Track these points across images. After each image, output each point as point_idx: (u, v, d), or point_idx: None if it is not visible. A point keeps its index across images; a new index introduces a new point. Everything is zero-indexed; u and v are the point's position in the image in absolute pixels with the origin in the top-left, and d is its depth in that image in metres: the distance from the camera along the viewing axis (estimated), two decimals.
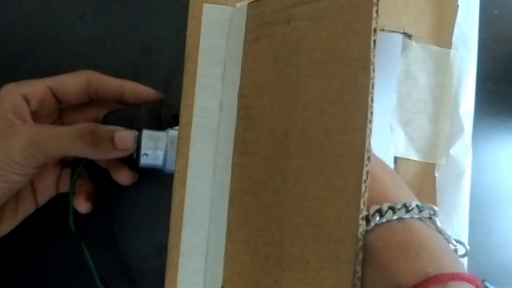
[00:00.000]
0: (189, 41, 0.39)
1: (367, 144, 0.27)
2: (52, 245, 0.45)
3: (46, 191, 0.45)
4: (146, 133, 0.41)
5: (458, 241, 0.33)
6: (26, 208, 0.44)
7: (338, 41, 0.29)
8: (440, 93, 0.45)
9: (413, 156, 0.45)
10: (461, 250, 0.33)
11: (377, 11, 0.28)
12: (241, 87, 0.38)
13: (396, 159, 0.45)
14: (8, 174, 0.39)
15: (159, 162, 0.42)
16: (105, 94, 0.44)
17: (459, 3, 0.45)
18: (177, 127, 0.42)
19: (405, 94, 0.45)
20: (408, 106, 0.45)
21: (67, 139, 0.39)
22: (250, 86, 0.37)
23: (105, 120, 0.44)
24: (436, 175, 0.45)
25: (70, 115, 0.46)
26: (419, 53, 0.45)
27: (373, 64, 0.27)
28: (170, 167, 0.42)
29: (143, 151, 0.41)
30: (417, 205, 0.31)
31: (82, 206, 0.44)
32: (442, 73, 0.45)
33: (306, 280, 0.29)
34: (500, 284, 0.46)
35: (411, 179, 0.45)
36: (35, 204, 0.44)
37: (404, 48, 0.45)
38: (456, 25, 0.45)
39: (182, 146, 0.39)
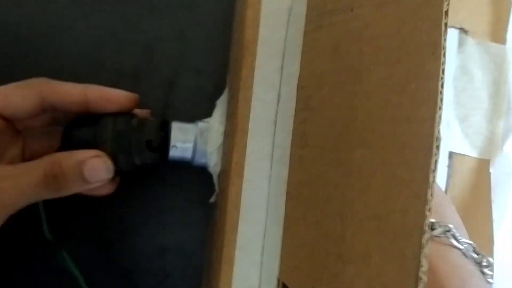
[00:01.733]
0: (247, 31, 0.37)
1: (436, 133, 0.25)
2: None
3: None
4: (176, 125, 0.39)
5: (479, 253, 0.31)
6: None
7: (405, 26, 0.27)
8: (496, 89, 0.43)
9: (469, 152, 0.43)
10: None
11: None
12: (301, 78, 0.36)
13: (450, 154, 0.43)
14: None
15: (188, 154, 0.39)
16: (63, 106, 0.36)
17: None
18: (206, 119, 0.40)
19: (461, 90, 0.43)
20: (464, 102, 0.43)
21: (32, 192, 0.33)
22: (310, 77, 0.35)
23: (66, 136, 0.37)
24: (491, 171, 0.43)
25: (25, 121, 0.38)
26: (475, 48, 0.42)
27: (444, 48, 0.25)
28: (199, 159, 0.40)
29: (172, 143, 0.38)
30: (430, 223, 0.30)
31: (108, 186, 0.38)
32: (498, 69, 0.43)
33: (369, 274, 0.27)
34: None
35: (466, 174, 0.43)
36: (3, 219, 0.35)
37: (460, 44, 0.42)
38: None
39: (239, 138, 0.37)
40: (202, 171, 0.43)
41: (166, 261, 0.45)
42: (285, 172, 0.36)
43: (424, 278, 0.24)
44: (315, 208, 0.32)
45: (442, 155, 0.42)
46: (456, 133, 0.42)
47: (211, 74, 0.45)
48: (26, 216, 0.40)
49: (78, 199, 0.40)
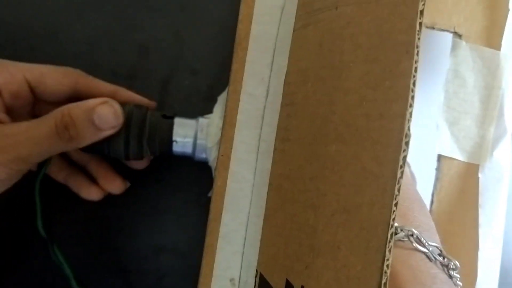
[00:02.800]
0: (240, 27, 0.38)
1: (406, 130, 0.25)
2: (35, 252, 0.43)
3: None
4: (178, 121, 0.39)
5: (445, 256, 0.30)
6: None
7: (383, 25, 0.28)
8: (488, 95, 0.43)
9: (458, 155, 0.43)
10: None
11: None
12: (287, 74, 0.36)
13: (439, 157, 0.43)
14: None
15: (188, 149, 0.40)
16: None
17: (510, 7, 0.43)
18: (208, 115, 0.41)
19: (453, 93, 0.43)
20: (455, 106, 0.43)
21: (45, 143, 0.33)
22: (295, 73, 0.35)
23: None
24: (479, 176, 0.43)
25: (42, 105, 0.39)
26: (468, 53, 0.42)
27: (417, 47, 0.25)
28: (200, 154, 0.40)
29: (173, 137, 0.39)
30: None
31: (118, 186, 0.40)
32: (491, 75, 0.43)
33: (336, 266, 0.27)
34: (500, 284, 0.44)
35: (454, 178, 0.43)
36: None
37: (454, 47, 0.42)
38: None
39: (227, 130, 0.38)
40: (198, 171, 0.44)
41: (162, 261, 0.45)
42: (270, 165, 0.37)
43: (388, 271, 0.25)
44: (292, 200, 0.32)
45: (430, 157, 0.42)
46: (446, 136, 0.42)
47: (206, 74, 0.45)
48: (22, 210, 0.41)
49: (75, 198, 0.40)
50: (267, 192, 0.36)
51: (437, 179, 0.43)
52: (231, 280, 0.37)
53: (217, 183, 0.37)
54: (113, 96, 0.38)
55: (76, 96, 0.37)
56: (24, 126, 0.34)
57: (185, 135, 0.39)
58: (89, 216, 0.41)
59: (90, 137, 0.35)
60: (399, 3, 0.27)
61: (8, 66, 0.36)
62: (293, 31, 0.36)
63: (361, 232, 0.26)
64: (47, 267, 0.43)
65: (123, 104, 0.38)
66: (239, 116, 0.37)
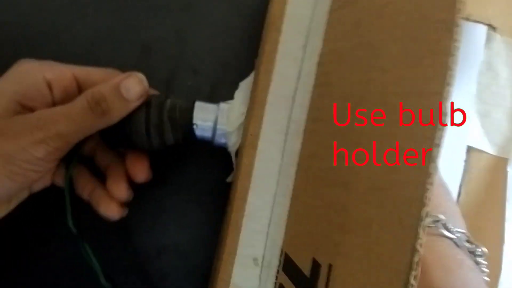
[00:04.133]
0: (274, 7, 0.38)
1: (443, 108, 0.26)
2: (55, 245, 0.43)
3: (41, 180, 0.39)
4: (198, 104, 0.40)
5: (472, 242, 0.31)
6: (20, 195, 0.38)
7: (423, 4, 0.28)
8: None
9: (488, 148, 0.43)
10: None
11: None
12: (321, 55, 0.36)
13: (468, 149, 0.43)
14: (24, 172, 0.34)
15: (208, 133, 0.40)
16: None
17: None
18: (229, 101, 0.41)
19: (485, 86, 0.43)
20: (486, 98, 0.43)
21: (81, 119, 0.34)
22: (330, 54, 0.35)
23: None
24: (508, 170, 0.43)
25: None
26: (503, 46, 0.42)
27: (457, 26, 0.26)
28: (219, 139, 0.40)
29: (193, 121, 0.39)
30: None
31: (123, 190, 0.39)
32: None
33: (367, 244, 0.27)
34: None
35: (483, 171, 0.43)
36: (28, 191, 0.39)
37: (488, 40, 0.42)
38: None
39: (257, 110, 0.38)
40: (200, 171, 0.45)
41: (164, 261, 0.45)
42: (298, 146, 0.37)
43: (421, 250, 0.25)
44: (322, 178, 0.33)
45: (459, 149, 0.42)
46: (476, 128, 0.42)
47: (208, 73, 0.45)
48: (22, 210, 0.41)
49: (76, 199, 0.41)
50: (296, 172, 0.36)
51: (465, 171, 0.43)
52: (254, 259, 0.38)
53: (244, 162, 0.37)
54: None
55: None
56: (58, 108, 0.35)
57: (206, 119, 0.40)
58: (91, 216, 0.41)
59: (120, 110, 0.36)
60: None
61: (57, 64, 0.37)
62: (330, 12, 0.36)
63: (394, 209, 0.26)
64: (48, 267, 0.44)
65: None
66: (269, 96, 0.37)
